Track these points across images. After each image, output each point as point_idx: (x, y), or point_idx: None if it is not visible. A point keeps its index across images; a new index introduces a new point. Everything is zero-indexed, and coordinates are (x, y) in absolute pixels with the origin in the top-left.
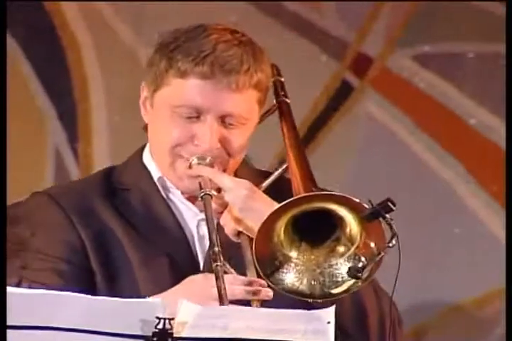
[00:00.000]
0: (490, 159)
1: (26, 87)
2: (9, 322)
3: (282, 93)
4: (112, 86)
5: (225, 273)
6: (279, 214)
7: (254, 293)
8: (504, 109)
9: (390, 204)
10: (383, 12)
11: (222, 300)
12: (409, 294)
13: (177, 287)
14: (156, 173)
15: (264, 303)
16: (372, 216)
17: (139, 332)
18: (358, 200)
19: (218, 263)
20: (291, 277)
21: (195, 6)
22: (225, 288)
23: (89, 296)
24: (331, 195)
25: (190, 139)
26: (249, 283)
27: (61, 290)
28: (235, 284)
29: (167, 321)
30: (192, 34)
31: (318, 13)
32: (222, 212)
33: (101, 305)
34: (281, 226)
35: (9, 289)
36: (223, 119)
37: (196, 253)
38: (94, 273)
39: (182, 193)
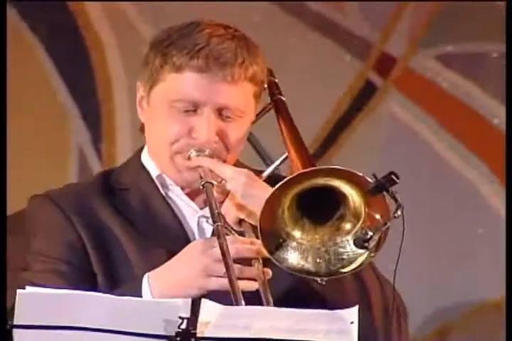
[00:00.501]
0: None
1: (50, 87)
2: (35, 322)
3: (277, 91)
4: (136, 86)
5: (226, 234)
6: (283, 192)
7: (258, 251)
8: None
9: (393, 177)
10: (406, 12)
11: (225, 257)
12: (433, 294)
13: (178, 254)
14: (154, 172)
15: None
16: (377, 189)
17: (162, 332)
18: (361, 174)
19: (219, 223)
20: (295, 255)
21: (219, 6)
22: (227, 246)
23: (112, 296)
24: (334, 168)
25: (188, 133)
26: (251, 243)
27: None
28: (237, 243)
29: (190, 321)
30: (185, 30)
31: (341, 13)
32: (223, 202)
33: (124, 305)
34: (285, 204)
35: (34, 289)
36: (220, 112)
37: None
38: (95, 272)
39: (182, 189)
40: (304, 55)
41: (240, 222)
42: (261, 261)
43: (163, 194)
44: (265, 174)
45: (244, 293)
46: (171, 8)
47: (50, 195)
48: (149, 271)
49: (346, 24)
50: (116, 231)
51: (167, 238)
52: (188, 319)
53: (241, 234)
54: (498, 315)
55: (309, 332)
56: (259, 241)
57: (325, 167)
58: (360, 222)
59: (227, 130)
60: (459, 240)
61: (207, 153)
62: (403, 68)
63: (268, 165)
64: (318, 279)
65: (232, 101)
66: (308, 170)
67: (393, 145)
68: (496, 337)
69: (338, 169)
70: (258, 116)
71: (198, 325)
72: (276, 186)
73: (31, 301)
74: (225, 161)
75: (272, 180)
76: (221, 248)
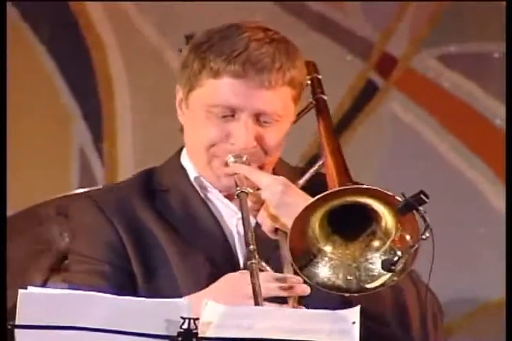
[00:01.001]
0: None
1: (52, 88)
2: (36, 322)
3: (319, 90)
4: (137, 86)
5: (261, 270)
6: (314, 208)
7: (289, 289)
8: None
9: (423, 196)
10: (408, 12)
11: (256, 297)
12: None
13: (214, 285)
14: (192, 173)
15: (301, 300)
16: (406, 208)
17: (164, 332)
18: (391, 193)
19: (253, 261)
20: (325, 271)
21: (221, 6)
22: (259, 286)
23: (114, 296)
24: (365, 188)
25: (225, 138)
26: (284, 280)
27: (102, 292)
28: (269, 281)
29: (192, 321)
30: (224, 33)
31: (342, 13)
32: (259, 209)
33: (127, 305)
34: (316, 220)
35: (36, 289)
36: (258, 117)
37: (236, 252)
38: (135, 273)
39: (220, 191)
40: (305, 55)
41: (276, 230)
42: (297, 297)
43: (202, 196)
44: (301, 182)
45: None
46: (173, 8)
47: (91, 196)
48: (188, 273)
49: (347, 24)
50: (157, 233)
51: (206, 240)
52: (189, 319)
53: (277, 243)
54: (500, 314)
55: (311, 332)
56: (295, 278)
57: (356, 186)
58: (390, 241)
59: (265, 135)
60: (461, 240)
61: (244, 159)
62: (404, 68)
63: None
64: (347, 295)
65: (269, 106)
66: (338, 189)
67: (394, 146)
68: (499, 336)
69: (369, 188)
70: (299, 115)
71: (200, 325)
72: (307, 203)
73: (33, 301)
74: (264, 165)
75: (312, 178)
76: (253, 288)
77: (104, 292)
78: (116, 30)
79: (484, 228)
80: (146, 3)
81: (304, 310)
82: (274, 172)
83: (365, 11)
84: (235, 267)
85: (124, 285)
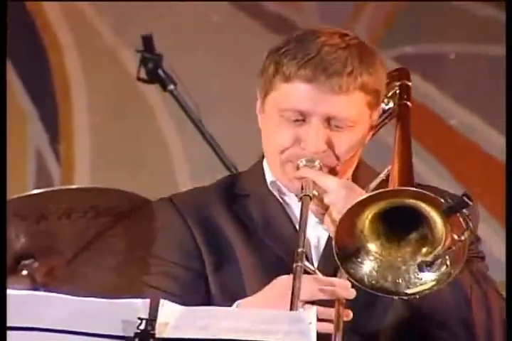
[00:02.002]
0: (472, 159)
1: (8, 87)
2: None
3: (405, 97)
4: (94, 86)
5: (309, 273)
6: (366, 205)
7: (333, 293)
8: (485, 109)
9: (466, 198)
10: (365, 12)
11: (293, 299)
12: None
13: (265, 289)
14: (269, 178)
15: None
16: (450, 211)
17: (121, 333)
18: (434, 195)
19: (299, 264)
20: (370, 271)
21: (177, 6)
22: (299, 288)
23: (71, 297)
24: (409, 190)
25: (297, 143)
26: (330, 283)
27: (174, 295)
28: (313, 284)
29: (149, 322)
30: (300, 38)
31: (298, 14)
32: (324, 213)
33: (84, 305)
34: (365, 219)
35: None
36: (329, 122)
37: (311, 256)
38: (207, 276)
39: (296, 195)
40: (260, 55)
41: None
42: (344, 301)
43: (280, 200)
44: (372, 186)
45: None
46: (129, 8)
47: (172, 199)
48: (262, 278)
49: (304, 24)
50: (233, 239)
51: (283, 246)
52: (146, 320)
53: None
54: None
55: (269, 332)
56: (342, 282)
57: (399, 188)
58: (441, 246)
59: (336, 139)
60: None
61: (316, 163)
62: None
63: (230, 170)
64: (396, 297)
65: (340, 111)
66: (380, 191)
67: None
68: None
69: (420, 192)
70: (383, 119)
71: (157, 326)
72: (358, 200)
73: None
74: (335, 170)
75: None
76: (292, 290)
77: (176, 295)
78: (73, 30)
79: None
80: (102, 4)
81: (262, 311)
82: (355, 177)
83: (321, 11)
84: (308, 271)
85: (196, 288)
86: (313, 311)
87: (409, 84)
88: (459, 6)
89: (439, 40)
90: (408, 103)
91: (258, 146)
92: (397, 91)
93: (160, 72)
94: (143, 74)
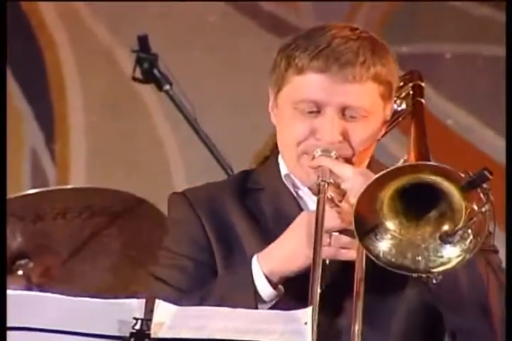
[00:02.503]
0: (468, 159)
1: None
2: None
3: (419, 95)
4: (89, 86)
5: (333, 207)
6: (383, 183)
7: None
8: (481, 109)
9: (486, 173)
10: (361, 12)
11: (317, 228)
12: None
13: (286, 230)
14: (284, 171)
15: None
16: (470, 185)
17: (116, 333)
18: (454, 170)
19: (321, 195)
20: (388, 248)
21: (173, 6)
22: (323, 217)
23: (66, 297)
24: (428, 164)
25: (312, 134)
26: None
27: (181, 289)
28: (336, 215)
29: (144, 322)
30: (310, 33)
31: (294, 14)
32: (341, 201)
33: (79, 305)
34: (384, 196)
35: None
36: (343, 112)
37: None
38: (217, 269)
39: (310, 189)
40: (257, 55)
41: None
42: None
43: (294, 194)
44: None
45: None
46: (124, 8)
47: (185, 193)
48: None
49: (299, 24)
50: (244, 233)
51: None
52: (142, 320)
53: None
54: None
55: (264, 332)
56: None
57: (426, 163)
58: (462, 219)
59: (351, 130)
60: None
61: (333, 154)
62: None
63: (225, 170)
64: (415, 275)
65: (354, 100)
66: (410, 163)
67: None
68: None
69: (439, 166)
70: (396, 117)
71: (152, 326)
72: (378, 174)
73: None
74: (350, 161)
75: None
76: (316, 218)
77: (185, 287)
78: (69, 30)
79: None
80: (98, 4)
81: (257, 311)
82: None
83: (317, 11)
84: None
85: (205, 281)
86: (308, 311)
87: (422, 84)
88: (455, 6)
89: (434, 40)
90: (422, 100)
91: (254, 146)
92: (411, 92)
93: (155, 72)
94: (138, 74)
